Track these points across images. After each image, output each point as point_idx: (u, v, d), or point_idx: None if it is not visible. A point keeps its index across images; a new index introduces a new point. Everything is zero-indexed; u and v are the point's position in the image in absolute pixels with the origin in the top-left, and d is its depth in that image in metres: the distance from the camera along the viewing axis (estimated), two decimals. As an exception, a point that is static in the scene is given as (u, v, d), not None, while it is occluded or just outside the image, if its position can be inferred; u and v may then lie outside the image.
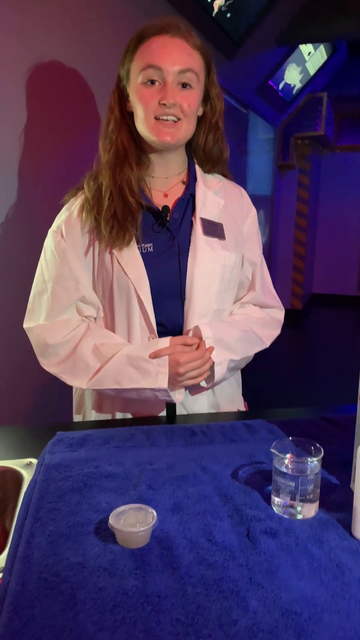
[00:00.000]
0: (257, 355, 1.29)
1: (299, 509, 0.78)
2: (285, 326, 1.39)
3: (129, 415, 1.23)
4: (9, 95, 1.58)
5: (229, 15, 3.06)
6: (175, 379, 1.11)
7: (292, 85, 5.10)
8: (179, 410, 1.23)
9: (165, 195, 1.20)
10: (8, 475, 0.94)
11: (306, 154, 6.35)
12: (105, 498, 0.83)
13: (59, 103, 1.84)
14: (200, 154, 1.23)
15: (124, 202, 1.11)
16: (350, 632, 0.58)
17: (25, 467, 0.95)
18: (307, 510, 0.79)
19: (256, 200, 5.23)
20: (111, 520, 0.72)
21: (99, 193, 1.13)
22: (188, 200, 1.20)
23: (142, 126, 1.11)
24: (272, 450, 0.80)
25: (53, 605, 0.61)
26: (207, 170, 1.25)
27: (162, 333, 1.17)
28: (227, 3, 2.99)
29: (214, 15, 2.91)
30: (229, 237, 1.22)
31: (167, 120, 1.08)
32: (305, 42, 4.35)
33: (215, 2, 2.90)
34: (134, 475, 0.90)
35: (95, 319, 1.21)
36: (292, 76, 4.93)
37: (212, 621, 0.59)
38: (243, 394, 1.39)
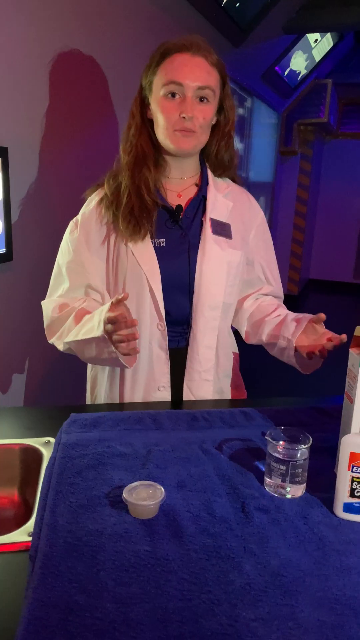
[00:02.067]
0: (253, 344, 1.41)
1: (288, 489, 0.89)
2: None
3: (137, 390, 1.32)
4: (33, 81, 1.64)
5: (237, 4, 3.09)
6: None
7: (297, 72, 5.10)
8: (186, 396, 1.33)
9: (179, 196, 1.30)
10: (29, 452, 1.04)
11: (309, 140, 6.37)
12: (118, 475, 0.94)
13: (79, 92, 1.90)
14: (212, 160, 1.32)
15: (141, 200, 1.21)
16: (327, 592, 0.69)
17: (44, 445, 1.05)
18: (296, 491, 0.90)
19: (257, 187, 5.26)
20: (125, 494, 0.83)
21: (118, 191, 1.24)
22: (200, 201, 1.30)
23: (162, 134, 1.21)
24: (266, 438, 0.91)
25: (77, 564, 0.72)
26: (218, 174, 1.35)
27: (168, 322, 1.27)
28: (237, -7, 3.02)
29: (223, 4, 2.94)
30: (235, 237, 1.32)
31: (184, 130, 1.18)
32: (313, 32, 4.36)
33: (224, -9, 2.93)
34: (142, 455, 1.01)
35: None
36: (298, 63, 4.94)
37: (212, 580, 0.71)
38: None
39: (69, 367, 1.46)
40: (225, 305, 1.32)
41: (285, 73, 4.88)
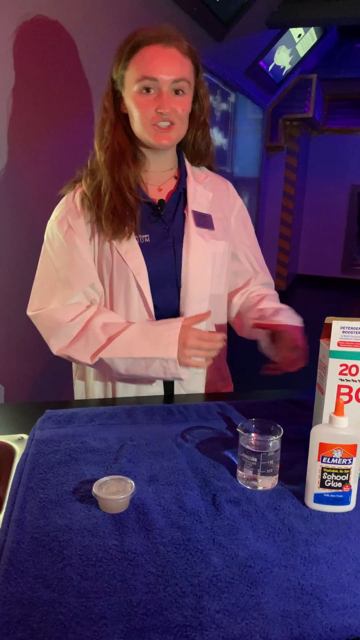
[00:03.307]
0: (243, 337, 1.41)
1: (259, 481, 0.89)
2: None
3: (130, 386, 1.31)
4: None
5: (218, -1, 3.08)
6: (182, 353, 1.16)
7: (281, 67, 5.11)
8: (177, 390, 1.33)
9: (160, 189, 1.29)
10: (2, 449, 1.03)
11: (294, 135, 6.38)
12: (90, 470, 0.93)
13: (49, 65, 1.84)
14: (189, 150, 1.32)
15: (123, 198, 1.20)
16: (294, 581, 0.69)
17: (17, 442, 1.04)
18: (267, 482, 0.90)
19: (244, 182, 5.28)
20: (94, 489, 0.83)
21: (98, 190, 1.21)
22: (180, 194, 1.29)
23: (139, 130, 1.18)
24: (238, 430, 0.90)
25: (44, 559, 0.72)
26: (196, 164, 1.34)
27: (158, 317, 1.27)
28: (217, -13, 3.01)
29: (203, -1, 2.93)
30: (217, 227, 1.31)
31: (162, 125, 1.16)
32: (295, 26, 4.36)
33: (205, -14, 2.92)
34: (115, 450, 1.00)
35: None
36: (282, 58, 4.94)
37: (179, 573, 0.70)
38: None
39: (54, 366, 1.45)
40: (213, 296, 1.32)
41: (270, 68, 4.88)
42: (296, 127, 6.30)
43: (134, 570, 0.70)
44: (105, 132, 1.22)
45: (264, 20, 4.00)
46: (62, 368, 1.48)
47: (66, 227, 1.23)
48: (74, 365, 1.41)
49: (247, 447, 0.89)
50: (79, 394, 1.40)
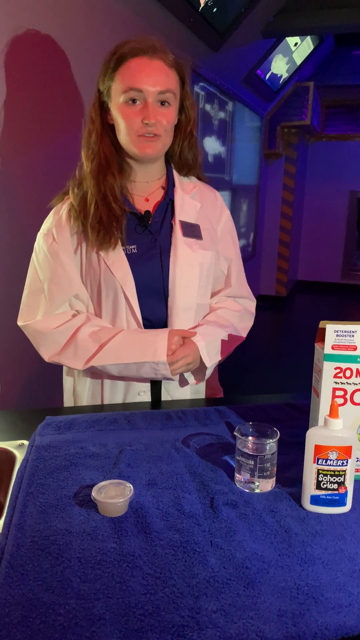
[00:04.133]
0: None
1: (257, 484, 0.90)
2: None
3: (117, 383, 1.33)
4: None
5: (215, 10, 3.12)
6: (170, 358, 1.22)
7: (278, 75, 5.16)
8: (164, 397, 1.34)
9: (147, 200, 1.30)
10: (2, 455, 1.05)
11: (292, 142, 6.42)
12: (89, 475, 0.94)
13: (41, 77, 1.87)
14: (176, 160, 1.33)
15: (108, 209, 1.21)
16: (290, 582, 0.70)
17: (18, 448, 1.05)
18: (264, 485, 0.91)
19: (242, 189, 5.32)
20: (94, 493, 0.84)
21: (84, 200, 1.23)
22: (167, 205, 1.30)
23: (125, 140, 1.20)
24: (235, 433, 0.92)
25: (43, 562, 0.73)
26: (184, 174, 1.35)
27: (146, 327, 1.28)
28: (213, -2, 3.05)
29: (200, 10, 2.97)
30: (205, 237, 1.32)
31: (147, 135, 1.18)
32: (291, 35, 4.41)
33: (201, -3, 2.96)
34: (114, 455, 1.01)
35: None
36: (279, 66, 4.99)
37: (176, 575, 0.71)
38: (223, 380, 1.52)
39: (46, 373, 1.46)
40: (199, 306, 1.33)
41: (267, 76, 4.93)
42: (294, 134, 6.35)
43: (132, 572, 0.71)
44: (92, 142, 1.23)
45: (260, 30, 4.04)
46: (55, 369, 1.50)
47: (51, 240, 1.26)
48: (64, 373, 1.43)
49: (245, 450, 0.90)
50: (67, 390, 1.42)
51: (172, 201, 1.30)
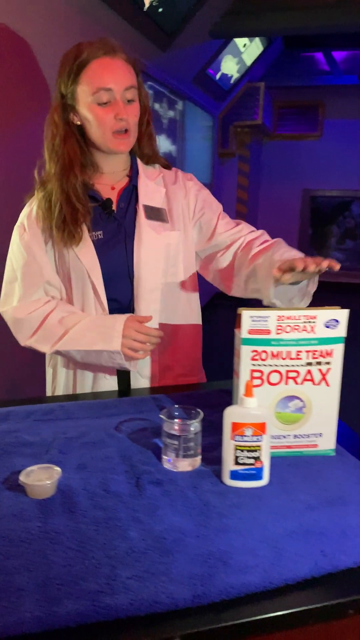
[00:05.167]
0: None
1: (181, 463, 0.95)
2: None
3: (87, 372, 1.37)
4: None
5: (160, 9, 3.16)
6: (123, 344, 1.24)
7: (229, 75, 5.24)
8: (134, 377, 1.38)
9: (112, 188, 1.36)
10: None
11: (245, 141, 6.53)
12: (21, 461, 0.97)
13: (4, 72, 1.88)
14: (138, 149, 1.38)
15: (72, 208, 1.26)
16: (204, 550, 0.75)
17: None
18: (189, 464, 0.95)
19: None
20: (21, 477, 0.87)
21: (49, 202, 1.28)
22: (132, 191, 1.36)
23: (98, 138, 1.26)
24: (161, 416, 0.96)
25: (-31, 543, 0.76)
26: (146, 161, 1.41)
27: (115, 309, 1.33)
28: (158, -2, 3.09)
29: (145, 9, 3.00)
30: (176, 219, 1.38)
31: (120, 132, 1.24)
32: (238, 36, 4.49)
33: (145, -3, 2.99)
34: (48, 443, 1.04)
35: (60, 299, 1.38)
36: (229, 67, 5.07)
37: (97, 548, 0.75)
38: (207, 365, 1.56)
39: (29, 361, 1.49)
40: (166, 285, 1.36)
41: (218, 76, 5.00)
42: (247, 134, 6.45)
43: (54, 547, 0.75)
44: (56, 144, 1.27)
45: (208, 31, 4.11)
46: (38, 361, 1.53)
47: (22, 230, 1.33)
48: (46, 360, 1.47)
49: (169, 431, 0.95)
50: (48, 381, 1.48)
51: (135, 187, 1.35)
